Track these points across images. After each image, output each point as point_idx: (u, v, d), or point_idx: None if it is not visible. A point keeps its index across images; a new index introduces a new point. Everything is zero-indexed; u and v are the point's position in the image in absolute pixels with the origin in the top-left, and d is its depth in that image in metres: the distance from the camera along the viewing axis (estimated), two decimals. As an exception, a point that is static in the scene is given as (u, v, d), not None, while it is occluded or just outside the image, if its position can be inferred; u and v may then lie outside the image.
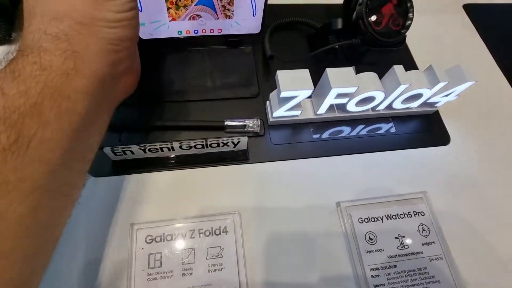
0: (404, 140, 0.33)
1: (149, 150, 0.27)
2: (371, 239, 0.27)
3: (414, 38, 0.39)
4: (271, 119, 0.31)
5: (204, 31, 0.32)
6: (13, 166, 0.16)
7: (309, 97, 0.28)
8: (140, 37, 0.31)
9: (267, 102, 0.32)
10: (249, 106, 0.33)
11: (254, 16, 0.32)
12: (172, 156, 0.29)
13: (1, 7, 0.31)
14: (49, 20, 0.18)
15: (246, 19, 0.32)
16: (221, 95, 0.33)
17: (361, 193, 0.29)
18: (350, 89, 0.27)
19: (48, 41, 0.18)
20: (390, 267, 0.26)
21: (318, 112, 0.31)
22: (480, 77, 0.29)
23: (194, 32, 0.32)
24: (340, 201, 0.28)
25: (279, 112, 0.29)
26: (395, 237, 0.27)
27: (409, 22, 0.26)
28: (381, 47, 0.27)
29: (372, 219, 0.28)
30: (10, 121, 0.16)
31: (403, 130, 0.34)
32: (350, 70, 0.27)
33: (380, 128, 0.34)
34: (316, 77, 0.27)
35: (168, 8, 0.30)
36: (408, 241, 0.27)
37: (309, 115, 0.31)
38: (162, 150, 0.27)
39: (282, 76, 0.26)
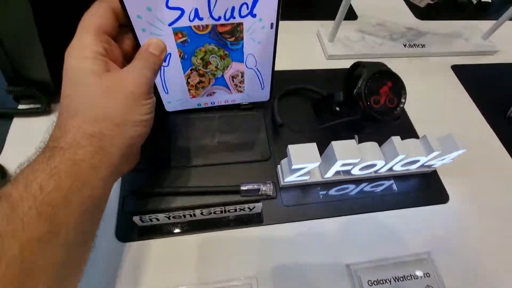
0: (406, 199, 0.36)
1: (173, 217, 0.30)
2: (381, 303, 0.28)
3: (409, 99, 0.43)
4: (282, 183, 0.34)
5: (219, 102, 0.37)
6: (44, 252, 0.18)
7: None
8: (166, 110, 0.35)
9: (279, 166, 0.35)
10: (262, 169, 0.36)
11: (262, 89, 0.36)
12: (192, 220, 0.31)
13: (45, 84, 0.36)
14: (91, 121, 0.22)
15: (255, 91, 0.36)
16: (234, 158, 0.36)
17: (368, 254, 0.31)
18: (353, 160, 0.30)
19: (85, 138, 0.21)
20: (401, 331, 0.27)
21: (325, 176, 0.34)
22: (471, 135, 0.33)
23: (211, 104, 0.37)
24: (350, 264, 0.30)
25: (290, 178, 0.32)
26: (404, 300, 0.29)
27: (403, 101, 0.30)
28: (380, 123, 0.30)
29: (381, 282, 0.29)
30: (45, 214, 0.18)
31: (404, 189, 0.37)
32: (353, 142, 0.30)
33: (382, 187, 0.36)
34: (322, 143, 0.31)
35: (189, 90, 0.34)
36: (416, 304, 0.28)
37: (317, 178, 0.34)
38: (184, 217, 0.30)
39: (293, 150, 0.29)
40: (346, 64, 0.47)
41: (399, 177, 0.37)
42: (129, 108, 0.23)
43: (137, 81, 0.23)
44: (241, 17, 0.28)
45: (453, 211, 0.35)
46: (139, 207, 0.31)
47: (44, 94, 0.36)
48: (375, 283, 0.29)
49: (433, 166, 0.36)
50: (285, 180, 0.33)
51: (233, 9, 0.27)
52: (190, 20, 0.27)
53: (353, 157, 0.30)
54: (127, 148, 0.23)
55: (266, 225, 0.32)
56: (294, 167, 0.29)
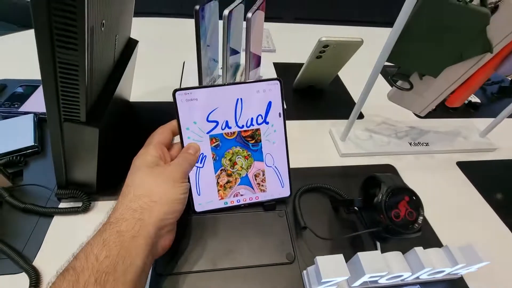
0: (437, 311, 0.35)
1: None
2: None
3: (420, 195, 0.45)
4: (309, 292, 0.34)
5: (244, 200, 0.40)
6: None
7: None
8: (195, 210, 0.38)
9: (304, 272, 0.35)
10: (287, 273, 0.36)
11: (283, 187, 0.41)
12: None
13: (89, 186, 0.39)
14: (135, 198, 0.29)
15: (276, 189, 0.40)
16: (257, 261, 0.36)
17: None
18: (381, 273, 0.31)
19: (129, 213, 0.28)
20: None
21: (353, 286, 0.34)
22: (488, 232, 0.33)
23: (237, 202, 0.40)
24: None
25: (318, 288, 0.32)
26: None
27: (421, 214, 0.32)
28: (401, 236, 0.32)
29: None
30: (99, 281, 0.23)
31: (433, 298, 0.36)
32: (378, 253, 0.32)
33: (410, 296, 0.36)
34: (344, 246, 0.32)
35: (218, 190, 0.38)
36: None
37: (344, 287, 0.34)
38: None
39: (322, 263, 0.30)
40: (359, 161, 0.52)
41: (426, 283, 0.37)
42: (168, 188, 0.30)
43: (175, 169, 0.32)
44: (258, 124, 0.39)
45: (489, 326, 0.34)
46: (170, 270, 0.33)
47: (86, 195, 0.39)
48: None
49: (459, 274, 0.36)
50: (313, 289, 0.33)
51: (252, 119, 0.38)
52: (222, 129, 0.38)
53: (380, 270, 0.30)
54: (162, 221, 0.29)
55: None
56: (323, 280, 0.30)
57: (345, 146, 0.53)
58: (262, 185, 0.40)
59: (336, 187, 0.45)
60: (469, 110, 0.69)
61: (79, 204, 0.39)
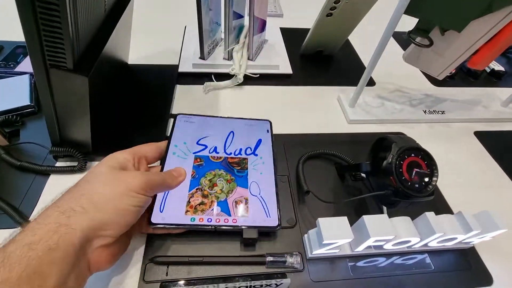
0: (443, 279, 0.33)
1: (196, 290, 0.28)
2: None
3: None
4: (310, 255, 0.32)
5: (218, 220, 0.32)
6: None
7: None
8: (151, 221, 0.30)
9: (305, 236, 0.34)
10: (287, 236, 0.35)
11: (269, 217, 0.33)
12: (216, 294, 0.30)
13: (84, 145, 0.38)
14: (70, 198, 0.24)
15: (261, 217, 0.33)
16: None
17: None
18: (387, 237, 0.29)
19: (54, 216, 0.22)
20: None
21: (356, 250, 0.32)
22: (504, 202, 0.30)
23: (207, 221, 0.31)
24: None
25: (319, 251, 0.31)
26: None
27: (435, 177, 0.30)
28: (412, 199, 0.30)
29: None
30: None
31: (440, 266, 0.34)
32: (385, 217, 0.30)
33: (417, 264, 0.34)
34: (349, 212, 0.30)
35: (187, 211, 0.32)
36: None
37: (346, 251, 0.33)
38: (208, 290, 0.28)
39: (324, 224, 0.28)
40: (367, 128, 0.49)
41: (434, 252, 0.35)
42: (116, 194, 0.24)
43: (138, 176, 0.26)
44: (247, 155, 0.39)
45: (499, 296, 0.32)
46: (161, 276, 0.30)
47: (82, 154, 0.38)
48: None
49: (471, 243, 0.34)
50: (314, 252, 0.32)
51: (240, 149, 0.39)
52: (209, 152, 0.38)
53: (387, 234, 0.28)
54: (95, 231, 0.23)
55: (293, 304, 0.30)
56: (325, 242, 0.28)
57: (353, 112, 0.50)
58: (244, 216, 0.32)
59: (342, 153, 0.42)
60: (491, 79, 0.64)
61: (75, 164, 0.38)
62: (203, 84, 0.53)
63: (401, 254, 0.34)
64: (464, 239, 0.31)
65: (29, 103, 0.45)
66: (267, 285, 0.29)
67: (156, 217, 0.30)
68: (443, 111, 0.53)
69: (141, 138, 0.36)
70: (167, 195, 0.32)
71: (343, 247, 0.32)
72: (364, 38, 0.62)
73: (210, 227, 0.31)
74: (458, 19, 0.37)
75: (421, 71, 0.61)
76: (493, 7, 0.36)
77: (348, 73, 0.60)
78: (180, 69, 0.55)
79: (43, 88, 0.29)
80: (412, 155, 0.31)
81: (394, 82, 0.60)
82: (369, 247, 0.33)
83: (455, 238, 0.31)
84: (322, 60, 0.63)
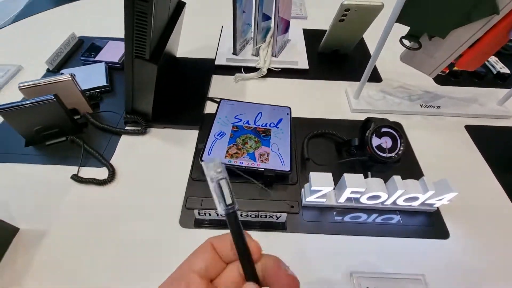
0: (409, 230, 0.43)
1: (220, 215, 0.41)
2: (376, 307, 0.35)
3: (422, 149, 0.51)
4: (304, 202, 0.44)
5: (247, 163, 0.46)
6: None
7: (334, 189, 0.41)
8: (201, 159, 0.46)
9: (302, 190, 0.45)
10: (290, 190, 0.46)
11: (283, 165, 0.46)
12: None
13: (146, 115, 0.52)
14: None
15: (277, 165, 0.46)
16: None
17: (369, 267, 0.38)
18: (360, 189, 0.39)
19: None
20: (391, 332, 0.33)
21: (339, 201, 0.43)
22: (478, 185, 0.39)
23: (240, 163, 0.45)
24: (353, 272, 0.37)
25: (310, 199, 0.42)
26: (396, 309, 0.35)
27: (402, 148, 0.40)
28: (382, 164, 0.40)
29: (378, 291, 0.36)
30: None
31: (409, 222, 0.43)
32: (361, 176, 0.40)
33: (389, 218, 0.44)
34: (339, 175, 0.41)
35: (226, 156, 0.46)
36: (407, 314, 0.34)
37: (332, 202, 0.43)
38: (229, 216, 0.41)
39: (314, 177, 0.40)
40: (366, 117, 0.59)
41: (405, 212, 0.44)
42: None
43: None
44: (270, 127, 0.52)
45: (452, 246, 0.41)
46: (197, 205, 0.43)
47: (145, 121, 0.52)
48: (372, 290, 0.36)
49: (434, 206, 0.43)
50: (306, 199, 0.43)
51: (266, 123, 0.52)
52: (243, 123, 0.52)
53: (360, 187, 0.39)
54: None
55: (289, 233, 0.42)
56: (313, 188, 0.39)
57: (356, 103, 0.60)
58: (265, 162, 0.46)
59: (339, 133, 0.53)
60: (497, 81, 0.69)
61: (139, 128, 0.53)
62: (233, 75, 0.66)
63: (378, 212, 0.44)
64: (425, 200, 0.41)
65: (106, 84, 0.60)
66: (270, 216, 0.41)
67: (205, 157, 0.45)
68: (439, 106, 0.60)
69: (185, 114, 0.53)
70: (214, 143, 0.47)
71: (330, 198, 0.43)
72: (377, 39, 0.70)
73: (241, 167, 0.45)
74: (441, 27, 0.45)
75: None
76: (471, 18, 0.44)
77: (359, 70, 0.69)
78: (216, 62, 0.68)
79: (128, 71, 0.43)
80: (386, 131, 0.40)
81: (400, 80, 0.68)
82: (350, 200, 0.43)
83: (417, 198, 0.41)
84: (337, 58, 0.73)
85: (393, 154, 0.40)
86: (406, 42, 0.50)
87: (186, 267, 0.19)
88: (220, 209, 0.19)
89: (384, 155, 0.40)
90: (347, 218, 0.44)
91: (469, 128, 0.58)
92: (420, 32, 0.48)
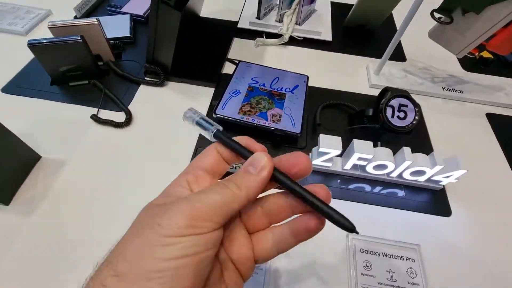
0: (411, 205, 0.43)
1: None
2: (367, 266, 0.36)
3: (437, 132, 0.51)
4: (310, 165, 0.44)
5: (258, 122, 0.47)
6: None
7: (340, 155, 0.41)
8: (215, 112, 0.47)
9: (310, 154, 0.45)
10: (297, 154, 0.47)
11: (294, 127, 0.46)
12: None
13: (165, 66, 0.53)
14: (100, 270, 0.16)
15: (288, 127, 0.46)
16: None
17: (366, 232, 0.39)
18: (367, 156, 0.39)
19: None
20: (378, 290, 0.34)
21: (345, 168, 0.43)
22: (491, 172, 0.38)
23: (252, 120, 0.47)
24: (349, 234, 0.38)
25: (317, 162, 0.43)
26: (386, 271, 0.36)
27: (416, 118, 0.39)
28: (393, 132, 0.40)
29: (371, 252, 0.37)
30: None
31: (412, 197, 0.44)
32: (370, 143, 0.40)
33: (393, 192, 0.44)
34: (347, 144, 0.41)
35: (238, 112, 0.47)
36: (396, 276, 0.35)
37: (338, 168, 0.44)
38: (235, 168, 0.42)
39: (323, 138, 0.40)
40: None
41: (410, 187, 0.44)
42: (147, 248, 0.15)
43: (175, 208, 0.16)
44: (285, 91, 0.52)
45: (452, 224, 0.41)
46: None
47: (163, 72, 0.53)
48: (365, 251, 0.37)
49: (440, 183, 0.43)
50: (313, 163, 0.44)
51: (282, 88, 0.52)
52: (259, 85, 0.52)
53: (368, 154, 0.39)
54: None
55: (291, 192, 0.43)
56: (320, 150, 0.40)
57: (376, 78, 0.59)
58: (277, 123, 0.46)
59: (353, 104, 0.52)
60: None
61: (158, 79, 0.54)
62: (254, 40, 0.65)
63: (382, 183, 0.45)
64: (432, 175, 0.41)
65: (129, 35, 0.61)
66: (275, 173, 0.42)
67: (219, 111, 0.47)
68: (462, 91, 0.58)
69: (203, 71, 0.54)
70: (229, 100, 0.48)
71: (335, 164, 0.44)
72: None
73: (252, 124, 0.46)
74: (477, 2, 0.43)
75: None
76: (512, -6, 0.41)
77: (383, 48, 0.67)
78: (239, 25, 0.67)
79: (153, 17, 0.44)
80: (402, 101, 0.40)
81: (425, 62, 0.65)
82: (356, 168, 0.43)
83: (424, 172, 0.40)
84: (363, 33, 0.71)
85: (405, 124, 0.39)
86: (437, 16, 0.48)
87: (195, 164, 0.20)
88: (209, 137, 0.22)
89: (396, 124, 0.39)
90: (350, 186, 0.44)
91: (490, 116, 0.56)
92: (454, 6, 0.46)
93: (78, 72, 0.52)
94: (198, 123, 0.22)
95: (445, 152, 0.48)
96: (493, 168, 0.48)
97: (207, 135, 0.22)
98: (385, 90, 0.43)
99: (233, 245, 0.20)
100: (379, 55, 0.64)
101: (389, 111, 0.40)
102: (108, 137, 0.47)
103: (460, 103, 0.58)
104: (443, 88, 0.58)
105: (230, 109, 0.47)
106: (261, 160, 0.19)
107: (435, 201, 0.44)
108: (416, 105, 0.40)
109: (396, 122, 0.39)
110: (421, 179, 0.42)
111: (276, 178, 0.19)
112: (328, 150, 0.40)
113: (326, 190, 0.20)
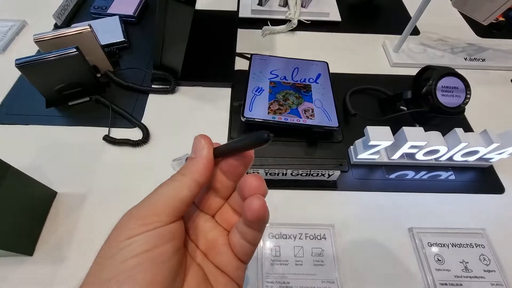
0: (463, 186, 0.41)
1: (270, 174, 0.39)
2: (439, 260, 0.34)
3: (469, 105, 0.48)
4: (354, 160, 0.41)
5: (292, 120, 0.42)
6: None
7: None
8: (244, 115, 0.42)
9: (351, 147, 0.42)
10: (335, 149, 0.44)
11: (330, 121, 0.42)
12: (282, 179, 0.40)
13: (175, 71, 0.48)
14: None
15: (324, 121, 0.42)
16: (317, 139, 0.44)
17: (427, 224, 0.37)
18: (421, 143, 0.37)
19: None
20: (457, 284, 0.32)
21: (392, 158, 0.40)
22: None
23: (284, 119, 0.42)
24: (413, 227, 0.36)
25: (363, 155, 0.40)
26: (460, 262, 0.34)
27: (468, 97, 0.37)
28: (445, 115, 0.37)
29: (440, 245, 0.35)
30: None
31: (462, 179, 0.42)
32: (421, 129, 0.37)
33: (441, 175, 0.42)
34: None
35: (268, 112, 0.43)
36: (471, 266, 0.34)
37: (383, 159, 0.41)
38: (277, 175, 0.39)
39: (371, 130, 0.37)
40: (408, 71, 0.55)
41: (457, 168, 0.42)
42: (105, 259, 0.15)
43: (131, 210, 0.16)
44: (309, 82, 0.48)
45: (508, 200, 0.40)
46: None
47: (174, 78, 0.48)
48: (434, 244, 0.35)
49: (490, 161, 0.41)
50: (358, 157, 0.40)
51: (304, 79, 0.48)
52: (280, 79, 0.48)
53: (422, 140, 0.36)
54: None
55: (340, 191, 0.40)
56: (371, 143, 0.37)
57: (397, 56, 0.56)
58: (311, 118, 0.42)
59: (384, 88, 0.49)
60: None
61: (168, 86, 0.48)
62: (260, 29, 0.60)
63: (429, 168, 0.42)
64: (485, 153, 0.39)
65: (124, 39, 0.55)
66: (322, 174, 0.39)
67: (247, 113, 0.41)
68: (484, 59, 0.56)
69: (215, 71, 0.50)
70: (254, 99, 0.44)
71: (381, 155, 0.41)
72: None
73: (287, 123, 0.41)
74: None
75: (466, 21, 0.63)
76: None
77: (393, 23, 0.64)
78: (241, 15, 0.62)
79: (160, 18, 0.38)
80: (450, 79, 0.37)
81: (439, 32, 0.63)
82: (403, 156, 0.41)
83: (477, 152, 0.38)
84: (369, 9, 0.67)
85: (458, 104, 0.37)
86: (465, -18, 0.45)
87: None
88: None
89: (449, 105, 0.36)
90: (398, 176, 0.42)
91: (516, 82, 0.55)
92: (484, -31, 0.43)
93: (77, 89, 0.45)
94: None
95: (479, 124, 0.47)
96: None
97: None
98: (426, 69, 0.40)
99: (213, 251, 0.18)
100: (391, 30, 0.61)
101: (438, 92, 0.37)
102: (127, 159, 0.42)
103: (484, 72, 0.56)
104: (465, 59, 0.56)
105: (259, 110, 0.43)
106: (199, 142, 0.18)
107: (484, 179, 0.42)
108: (464, 80, 0.37)
109: (447, 103, 0.37)
110: (472, 158, 0.40)
111: (220, 152, 0.18)
112: (378, 143, 0.37)
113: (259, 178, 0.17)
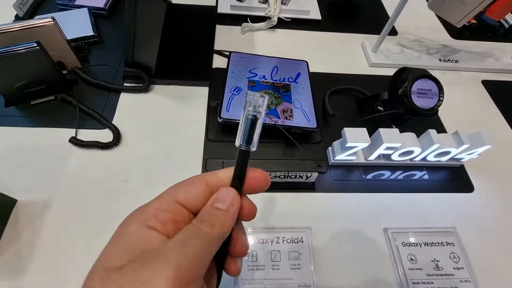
0: (435, 186, 0.42)
1: (247, 176, 0.38)
2: (412, 260, 0.35)
3: (442, 106, 0.50)
4: (332, 161, 0.41)
5: (270, 120, 0.42)
6: None
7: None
8: (221, 116, 0.40)
9: (329, 148, 0.42)
10: (314, 149, 0.43)
11: (309, 121, 0.42)
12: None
13: (149, 68, 0.45)
14: None
15: (303, 122, 0.42)
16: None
17: (400, 223, 0.38)
18: (396, 144, 0.37)
19: None
20: (428, 282, 0.33)
21: (369, 159, 0.41)
22: (497, 139, 0.39)
23: (263, 120, 0.43)
24: (388, 228, 0.37)
25: (340, 157, 0.40)
26: (431, 260, 0.35)
27: (441, 99, 0.37)
28: (420, 116, 0.37)
29: (413, 244, 0.36)
30: None
31: (435, 178, 0.43)
32: (396, 130, 0.38)
33: (415, 175, 0.43)
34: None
35: None
36: (441, 264, 0.35)
37: (361, 160, 0.41)
38: (256, 177, 0.38)
39: (348, 131, 0.37)
40: (386, 71, 0.56)
41: (431, 168, 0.44)
42: None
43: (166, 269, 0.14)
44: (289, 82, 0.47)
45: (477, 199, 0.41)
46: (218, 168, 0.40)
47: (148, 76, 0.46)
48: (407, 244, 0.36)
49: (461, 160, 0.43)
50: (335, 158, 0.40)
51: (284, 78, 0.48)
52: (259, 78, 0.47)
53: (397, 142, 0.37)
54: None
55: (317, 192, 0.40)
56: (348, 145, 0.37)
57: (375, 56, 0.56)
58: (289, 118, 0.42)
59: (362, 88, 0.49)
60: (509, 35, 0.68)
61: (141, 84, 0.46)
62: (239, 26, 0.58)
63: (404, 168, 0.43)
64: (456, 154, 0.40)
65: (93, 33, 0.51)
66: (300, 176, 0.38)
67: (224, 114, 0.40)
68: (457, 60, 0.58)
69: (192, 69, 0.47)
70: (232, 99, 0.42)
71: (359, 156, 0.41)
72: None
73: (265, 125, 0.40)
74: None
75: (441, 22, 0.65)
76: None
77: (372, 22, 0.64)
78: (219, 10, 0.60)
79: (131, 11, 0.36)
80: (424, 81, 0.38)
81: (416, 33, 0.64)
82: (379, 157, 0.41)
83: (449, 152, 0.39)
84: (349, 8, 0.67)
85: (431, 106, 0.37)
86: (440, -16, 0.45)
87: (171, 195, 0.19)
88: (238, 142, 0.18)
89: (423, 107, 0.37)
90: (374, 176, 0.42)
91: (486, 83, 0.57)
92: (458, -28, 0.43)
93: (40, 87, 0.42)
94: (251, 122, 0.18)
95: (452, 125, 0.49)
96: (499, 135, 0.49)
97: (239, 139, 0.18)
98: (403, 71, 0.41)
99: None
100: (370, 30, 0.61)
101: (413, 95, 0.37)
102: (96, 163, 0.39)
103: (457, 72, 0.58)
104: (440, 60, 0.58)
105: (236, 110, 0.42)
106: (229, 194, 0.18)
107: (455, 178, 0.43)
108: (438, 83, 0.38)
109: (421, 105, 0.37)
110: (444, 159, 0.41)
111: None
112: (355, 144, 0.37)
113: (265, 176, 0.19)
